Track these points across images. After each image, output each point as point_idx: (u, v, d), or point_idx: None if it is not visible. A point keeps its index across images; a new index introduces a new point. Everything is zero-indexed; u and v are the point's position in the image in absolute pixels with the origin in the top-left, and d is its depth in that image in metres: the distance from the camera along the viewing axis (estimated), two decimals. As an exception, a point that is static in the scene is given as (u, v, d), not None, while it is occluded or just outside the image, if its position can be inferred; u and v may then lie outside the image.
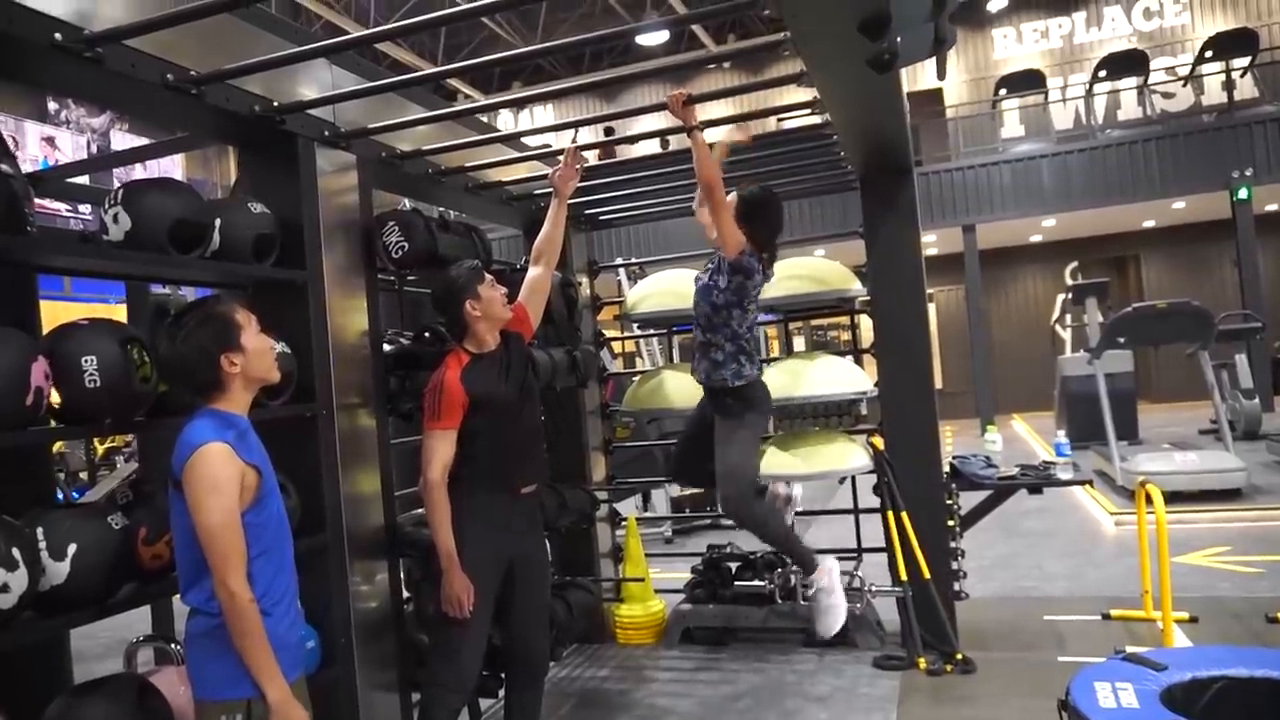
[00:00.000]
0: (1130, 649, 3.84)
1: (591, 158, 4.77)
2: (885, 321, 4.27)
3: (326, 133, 2.93)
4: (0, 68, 2.19)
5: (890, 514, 4.20)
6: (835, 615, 3.43)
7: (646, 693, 4.02)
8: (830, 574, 3.43)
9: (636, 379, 4.93)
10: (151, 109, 2.65)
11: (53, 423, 2.10)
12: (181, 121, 2.79)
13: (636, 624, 4.77)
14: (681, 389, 4.37)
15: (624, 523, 5.05)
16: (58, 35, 2.04)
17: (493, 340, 2.88)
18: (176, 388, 2.19)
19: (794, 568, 4.46)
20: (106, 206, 2.33)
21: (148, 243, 2.32)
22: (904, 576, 4.13)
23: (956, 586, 4.27)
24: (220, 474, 1.87)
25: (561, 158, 3.17)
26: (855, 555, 4.65)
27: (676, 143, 4.50)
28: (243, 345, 1.98)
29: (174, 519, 1.94)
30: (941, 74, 2.92)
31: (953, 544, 4.26)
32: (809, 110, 3.17)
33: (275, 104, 2.69)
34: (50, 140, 13.16)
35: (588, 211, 4.81)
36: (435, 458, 2.73)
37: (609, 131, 15.85)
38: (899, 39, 2.48)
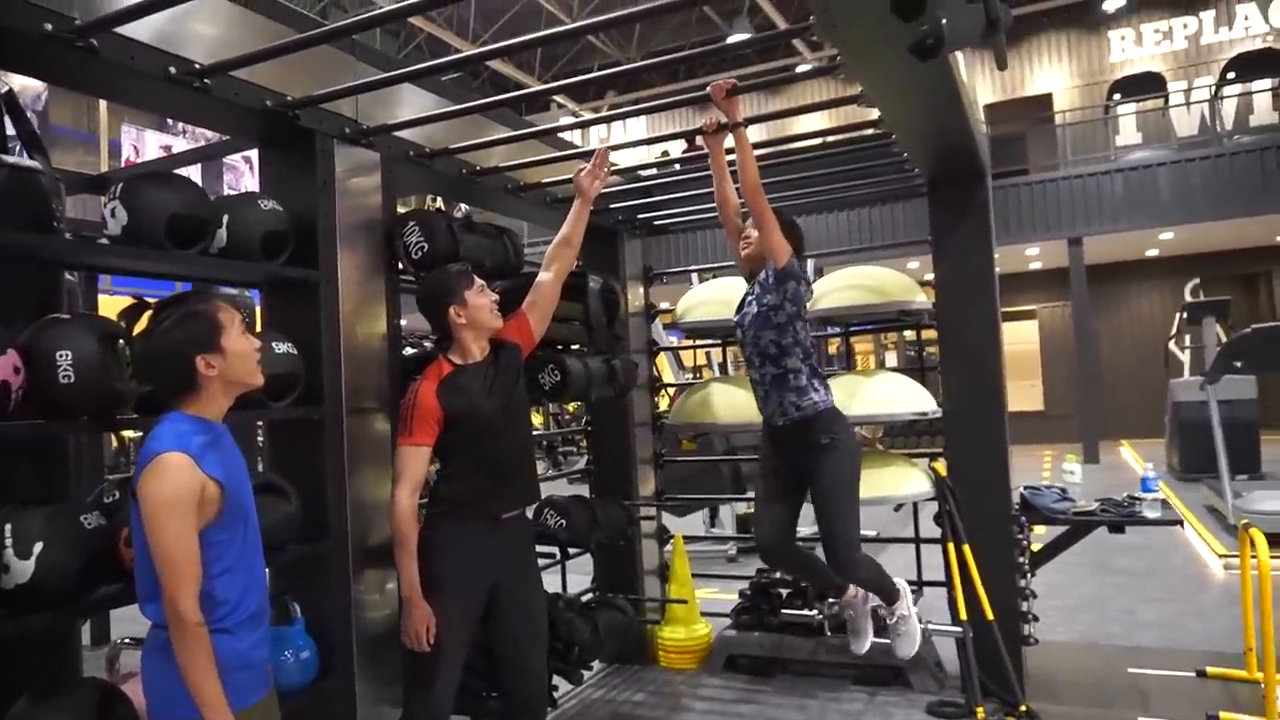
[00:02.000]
0: (1225, 715, 3.42)
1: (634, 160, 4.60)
2: (952, 337, 3.94)
3: (347, 129, 2.86)
4: (9, 60, 2.20)
5: (951, 546, 3.87)
6: (914, 639, 3.40)
7: (679, 723, 3.81)
8: (907, 599, 3.37)
9: (685, 391, 4.73)
10: (159, 103, 2.62)
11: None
12: (193, 116, 2.76)
13: (679, 647, 4.56)
14: (729, 403, 4.16)
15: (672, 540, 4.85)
16: (48, 25, 2.01)
17: (479, 350, 2.71)
18: (148, 387, 2.11)
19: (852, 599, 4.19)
20: (106, 201, 2.30)
21: (145, 238, 2.28)
22: (964, 615, 3.78)
23: (1026, 630, 3.89)
24: (177, 487, 1.74)
25: (590, 162, 2.98)
26: (915, 588, 4.33)
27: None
28: (222, 347, 1.87)
29: (134, 529, 1.85)
30: (1001, 64, 2.61)
31: (1021, 583, 3.89)
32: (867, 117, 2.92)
33: (288, 98, 2.63)
34: (168, 149, 13.92)
35: (641, 217, 4.64)
36: (403, 476, 2.57)
37: (691, 141, 15.75)
38: (943, 21, 2.23)
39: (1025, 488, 4.10)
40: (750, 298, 3.21)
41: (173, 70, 2.30)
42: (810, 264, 4.29)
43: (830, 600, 3.36)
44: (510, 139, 3.53)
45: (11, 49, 2.06)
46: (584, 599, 4.05)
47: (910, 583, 4.33)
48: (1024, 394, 16.00)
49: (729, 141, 3.06)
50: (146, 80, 2.29)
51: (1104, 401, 14.43)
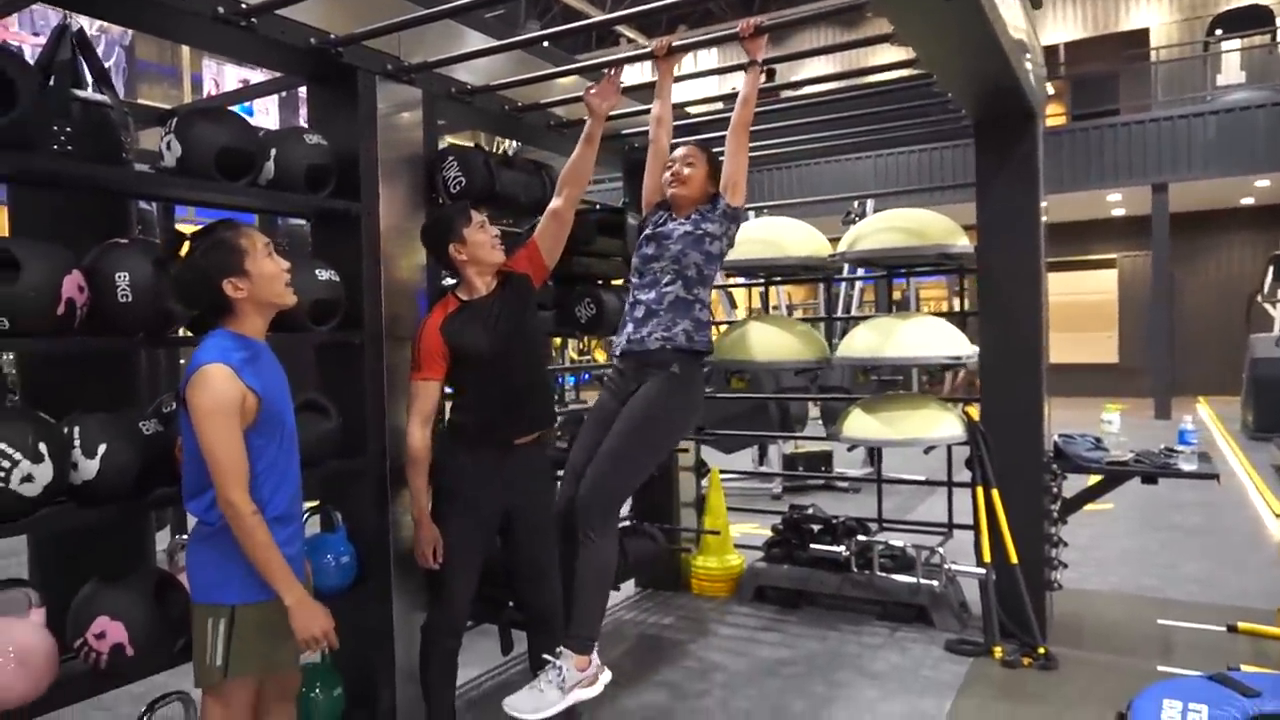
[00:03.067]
0: (1247, 667, 3.42)
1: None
2: (991, 283, 3.90)
3: (389, 66, 2.97)
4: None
5: (980, 490, 3.90)
6: (537, 706, 2.47)
7: (702, 646, 3.98)
8: (586, 687, 2.53)
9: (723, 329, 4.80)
10: (208, 41, 2.77)
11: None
12: (243, 54, 2.90)
13: (711, 576, 4.72)
14: (766, 340, 4.22)
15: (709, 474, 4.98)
16: (102, -33, 2.16)
17: (483, 285, 2.77)
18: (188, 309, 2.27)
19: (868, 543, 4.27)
20: (163, 135, 2.47)
21: (196, 169, 2.45)
22: (987, 558, 3.83)
23: (1052, 576, 3.92)
24: (221, 395, 1.92)
25: (601, 81, 2.92)
26: (944, 530, 4.39)
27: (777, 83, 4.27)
28: (247, 270, 2.01)
29: (183, 433, 2.05)
30: (1035, 4, 2.57)
31: (1050, 529, 3.91)
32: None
33: (331, 35, 2.75)
34: (245, 82, 14.31)
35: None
36: (414, 409, 2.71)
37: (771, 75, 15.41)
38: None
39: (1060, 435, 4.08)
40: (679, 220, 2.86)
41: (220, 9, 2.44)
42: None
43: (554, 652, 2.59)
44: (551, 75, 3.57)
45: (72, -7, 2.22)
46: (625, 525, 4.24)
47: (940, 526, 4.42)
48: (1099, 345, 15.50)
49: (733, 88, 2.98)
50: (194, 19, 2.42)
51: (1183, 356, 13.91)
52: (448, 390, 2.86)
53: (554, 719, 2.48)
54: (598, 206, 4.27)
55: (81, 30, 3.00)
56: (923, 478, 5.43)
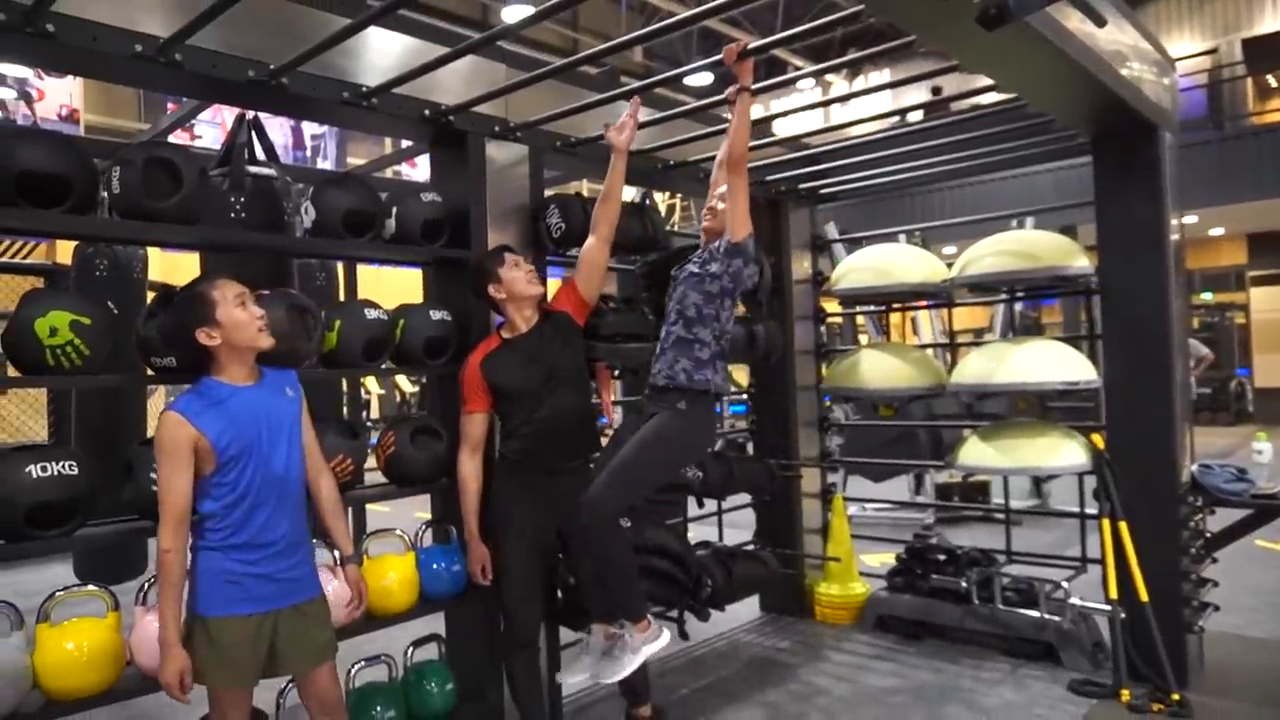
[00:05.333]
0: None
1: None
2: (1115, 304, 3.72)
3: (496, 128, 3.35)
4: (213, 96, 2.90)
5: (1106, 522, 3.69)
6: (617, 670, 2.78)
7: (811, 670, 4.01)
8: (652, 642, 2.80)
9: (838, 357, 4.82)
10: (338, 119, 3.25)
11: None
12: (368, 127, 3.37)
13: (834, 603, 4.73)
14: (878, 368, 4.23)
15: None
16: (251, 72, 2.65)
17: (524, 322, 2.94)
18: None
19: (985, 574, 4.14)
20: (301, 201, 2.96)
21: (328, 230, 2.91)
22: (1114, 594, 3.62)
23: (1192, 617, 3.64)
24: (166, 439, 2.08)
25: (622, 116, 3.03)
26: (1078, 564, 4.17)
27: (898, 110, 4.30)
28: (218, 320, 2.15)
29: None
30: (1099, 21, 2.50)
31: (1189, 565, 3.63)
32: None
33: (443, 105, 3.15)
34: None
35: (804, 186, 4.77)
36: (463, 439, 2.95)
37: (936, 91, 14.89)
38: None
39: (1199, 465, 3.79)
40: (697, 258, 2.97)
41: (346, 95, 2.90)
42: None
43: (617, 627, 2.84)
44: (654, 121, 3.82)
45: (224, 91, 2.74)
46: (739, 548, 4.36)
47: (1073, 559, 4.21)
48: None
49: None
50: (328, 104, 2.90)
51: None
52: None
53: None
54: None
55: (256, 118, 3.59)
56: (1075, 509, 5.13)
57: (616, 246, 3.68)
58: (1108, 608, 3.65)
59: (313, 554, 2.41)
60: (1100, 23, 2.50)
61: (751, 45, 2.74)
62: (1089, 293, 4.06)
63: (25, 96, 11.23)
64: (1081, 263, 3.79)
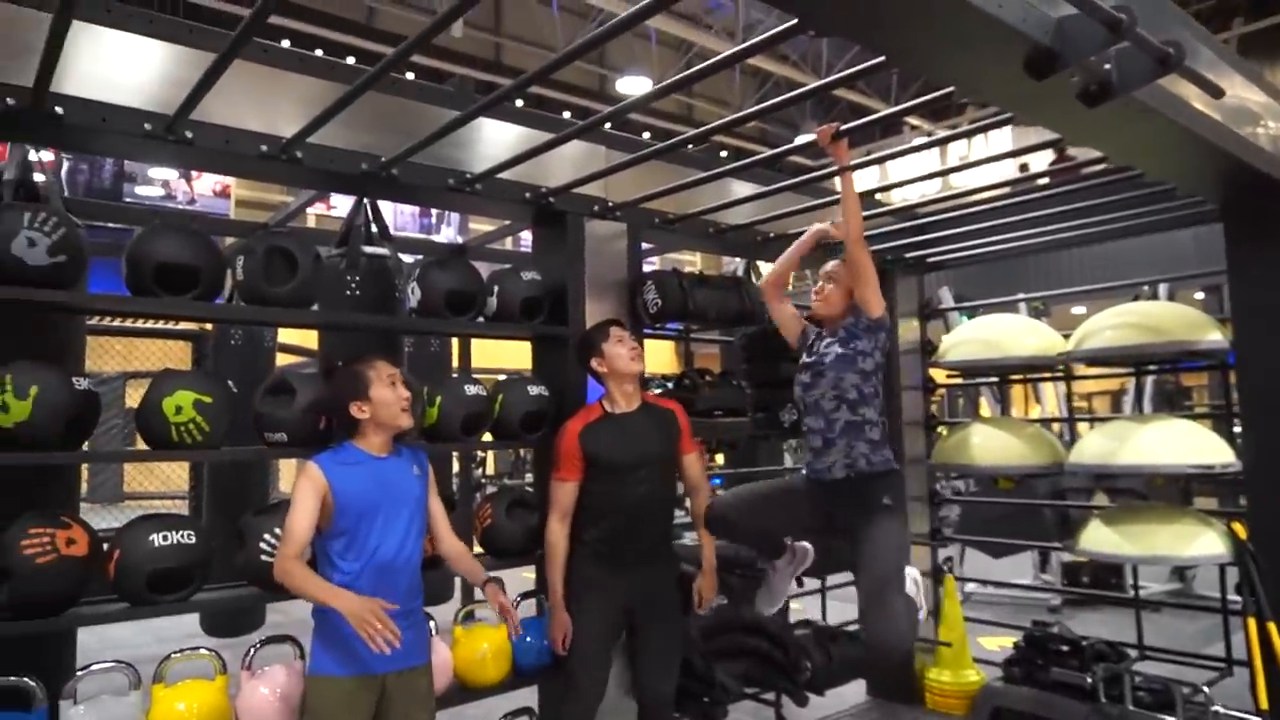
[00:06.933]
0: None
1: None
2: (1253, 380, 3.43)
3: (595, 208, 3.44)
4: (330, 187, 3.11)
5: (1252, 621, 3.36)
6: (775, 599, 3.16)
7: (918, 764, 3.79)
8: (804, 557, 3.12)
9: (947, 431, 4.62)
10: (445, 203, 3.40)
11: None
12: (473, 210, 3.53)
13: (945, 691, 4.46)
14: (990, 445, 4.04)
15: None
16: (364, 165, 2.84)
17: (625, 400, 2.97)
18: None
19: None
20: (409, 281, 3.12)
21: (432, 310, 3.05)
22: (1264, 704, 3.27)
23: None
24: (304, 476, 2.34)
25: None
26: (1222, 666, 3.79)
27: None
28: (370, 396, 2.41)
29: None
30: (1215, 93, 2.36)
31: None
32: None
33: (543, 189, 3.27)
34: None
35: (912, 254, 4.66)
36: (554, 505, 2.95)
37: (1060, 151, 14.35)
38: (1107, 67, 2.17)
39: (1360, 561, 3.40)
40: (827, 343, 2.92)
41: (451, 181, 3.05)
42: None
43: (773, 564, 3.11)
44: (758, 196, 3.84)
45: (340, 183, 2.96)
46: (842, 628, 4.20)
47: (1217, 660, 3.84)
48: None
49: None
50: (435, 190, 3.06)
51: None
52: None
53: None
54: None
55: (374, 202, 3.83)
56: (1217, 598, 4.69)
57: (715, 321, 3.70)
58: (1253, 718, 3.30)
59: (425, 623, 2.58)
60: (1217, 94, 2.36)
61: (844, 128, 2.73)
62: (1225, 367, 3.77)
63: (185, 176, 12.36)
64: (1213, 336, 3.53)
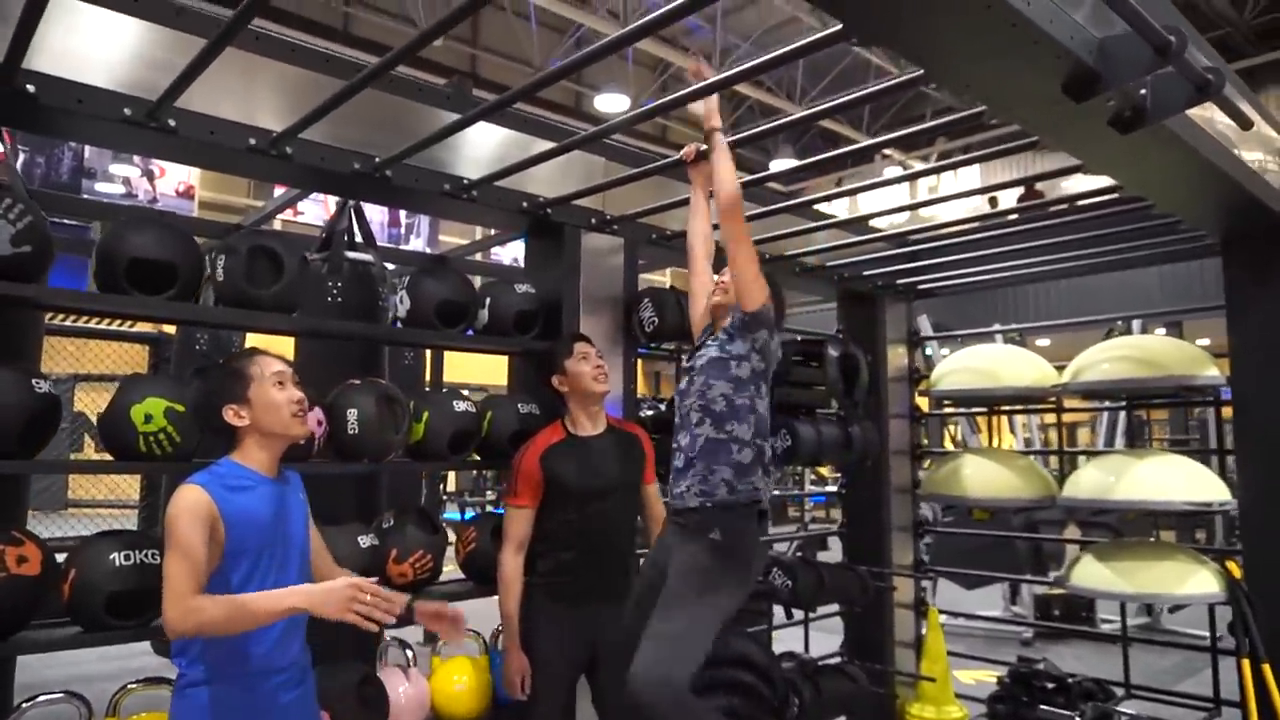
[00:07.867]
0: None
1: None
2: (1250, 417, 3.40)
3: (593, 220, 3.32)
4: (320, 187, 2.96)
5: (1246, 663, 3.31)
6: None
7: (905, 805, 3.67)
8: None
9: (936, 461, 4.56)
10: (441, 210, 3.27)
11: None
12: (468, 218, 3.39)
13: (927, 727, 4.37)
14: (983, 476, 3.97)
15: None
16: (356, 165, 2.69)
17: (589, 421, 2.75)
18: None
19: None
20: (398, 289, 2.96)
21: (421, 320, 2.90)
22: (1258, 748, 3.22)
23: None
24: (184, 503, 1.79)
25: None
26: (1210, 707, 3.75)
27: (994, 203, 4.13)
28: (249, 398, 1.91)
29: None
30: (1244, 125, 2.33)
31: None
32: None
33: (540, 199, 3.14)
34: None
35: (901, 281, 4.61)
36: (508, 536, 2.69)
37: (1029, 186, 14.61)
38: (1141, 92, 2.12)
39: (1354, 604, 3.38)
40: (707, 343, 2.53)
41: (447, 186, 2.91)
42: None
43: None
44: (756, 215, 3.75)
45: (331, 182, 2.79)
46: (826, 661, 4.09)
47: (1205, 700, 3.80)
48: None
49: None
50: (430, 195, 2.92)
51: None
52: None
53: None
54: (799, 337, 4.34)
55: (358, 205, 3.66)
56: (1196, 634, 4.68)
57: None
58: (1248, 762, 3.25)
59: (313, 680, 2.07)
60: (1247, 125, 2.33)
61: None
62: (1218, 404, 3.75)
63: (148, 174, 12.00)
64: (1210, 372, 3.51)
